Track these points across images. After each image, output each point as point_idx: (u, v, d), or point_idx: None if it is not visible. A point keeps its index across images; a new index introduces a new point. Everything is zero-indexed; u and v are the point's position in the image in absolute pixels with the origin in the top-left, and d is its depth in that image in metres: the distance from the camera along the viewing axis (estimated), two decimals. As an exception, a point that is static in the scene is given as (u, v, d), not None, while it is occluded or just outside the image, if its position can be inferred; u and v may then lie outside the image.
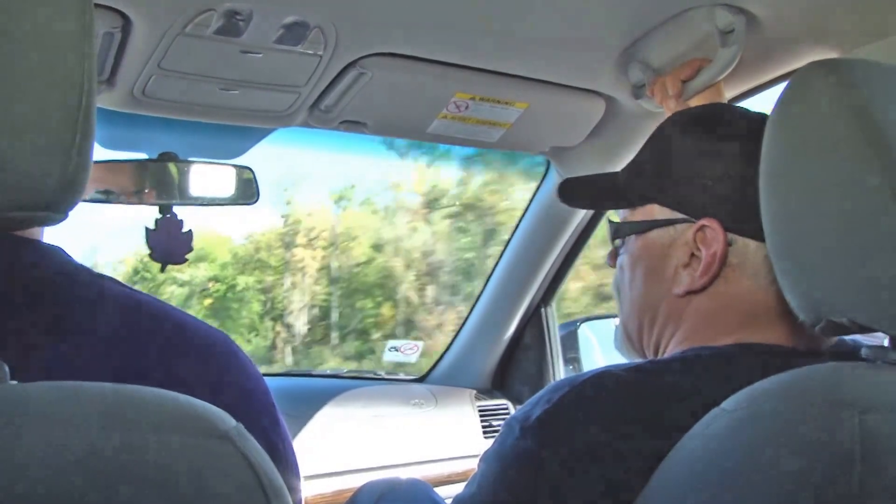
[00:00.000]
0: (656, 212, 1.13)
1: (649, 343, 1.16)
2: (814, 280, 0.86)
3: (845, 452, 0.73)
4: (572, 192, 1.31)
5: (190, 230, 1.60)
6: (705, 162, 1.07)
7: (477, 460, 1.03)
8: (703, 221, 1.06)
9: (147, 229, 1.57)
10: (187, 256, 1.60)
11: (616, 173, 1.23)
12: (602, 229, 2.41)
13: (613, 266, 1.25)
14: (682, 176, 1.09)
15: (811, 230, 0.86)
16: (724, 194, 1.06)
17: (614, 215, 1.26)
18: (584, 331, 2.81)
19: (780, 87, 0.96)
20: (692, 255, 1.08)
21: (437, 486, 1.72)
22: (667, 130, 1.16)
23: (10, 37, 0.63)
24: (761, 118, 1.10)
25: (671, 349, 1.11)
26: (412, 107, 1.70)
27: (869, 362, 0.88)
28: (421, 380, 2.72)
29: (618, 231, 1.19)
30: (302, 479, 0.92)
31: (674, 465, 0.86)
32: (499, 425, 2.50)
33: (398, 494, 1.30)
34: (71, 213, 0.72)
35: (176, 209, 1.62)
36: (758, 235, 0.98)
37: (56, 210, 0.68)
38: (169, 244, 1.58)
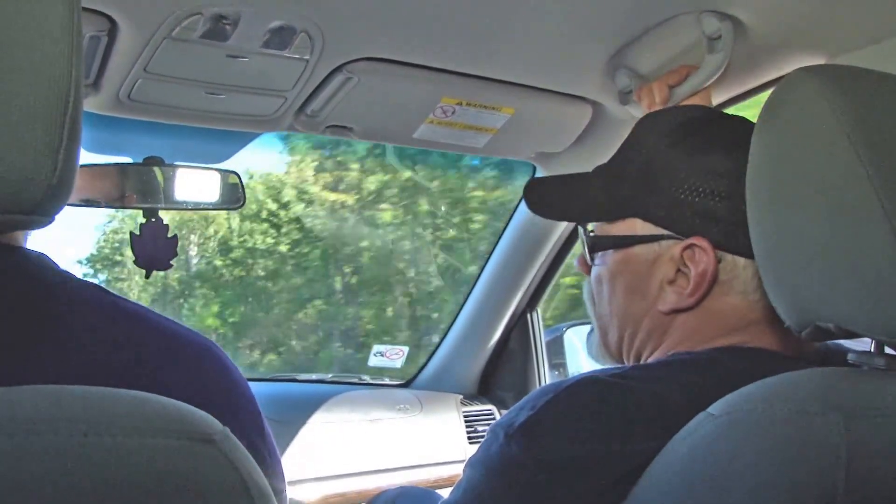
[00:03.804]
0: (639, 226, 1.11)
1: (630, 353, 1.16)
2: (800, 285, 0.87)
3: (831, 457, 0.74)
4: (542, 200, 1.27)
5: (175, 235, 1.59)
6: (693, 178, 1.06)
7: (462, 466, 1.03)
8: (693, 240, 1.05)
9: (132, 234, 1.56)
10: (172, 262, 1.59)
11: (587, 177, 1.21)
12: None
13: (585, 273, 1.24)
14: (669, 191, 1.08)
15: (797, 236, 0.86)
16: (713, 212, 1.05)
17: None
18: (570, 336, 2.81)
19: (767, 93, 0.96)
20: (678, 270, 1.08)
21: (422, 491, 1.72)
22: (649, 139, 1.14)
23: None
24: (746, 125, 1.10)
25: (654, 358, 1.11)
26: (398, 111, 1.70)
27: (855, 367, 0.88)
28: (406, 385, 2.72)
29: (596, 244, 1.17)
30: (287, 484, 0.92)
31: (661, 470, 0.86)
32: (484, 431, 2.50)
33: (411, 499, 1.31)
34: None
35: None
36: (748, 252, 0.98)
37: (42, 213, 0.68)
38: (154, 250, 1.57)
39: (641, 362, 1.13)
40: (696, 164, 1.07)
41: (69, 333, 0.77)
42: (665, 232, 1.08)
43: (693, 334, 1.07)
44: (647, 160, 1.12)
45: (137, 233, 1.57)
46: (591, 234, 1.18)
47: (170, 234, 1.58)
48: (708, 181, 1.05)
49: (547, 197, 1.27)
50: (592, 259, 1.19)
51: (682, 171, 1.07)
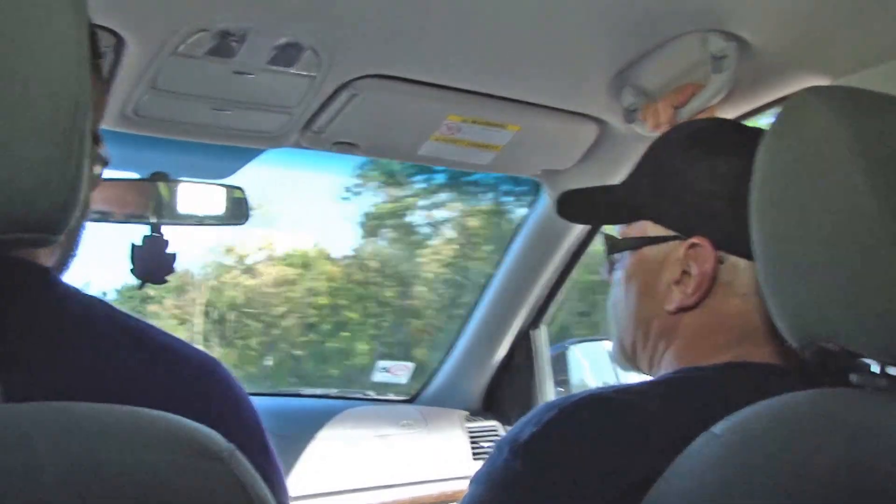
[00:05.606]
0: (649, 228, 1.13)
1: (643, 357, 1.16)
2: (804, 306, 0.86)
3: (834, 478, 0.73)
4: (570, 206, 1.30)
5: (174, 252, 1.59)
6: (696, 179, 1.08)
7: (466, 482, 1.03)
8: (694, 239, 1.07)
9: (133, 245, 1.56)
10: (167, 278, 1.60)
11: (615, 186, 1.23)
12: (590, 255, 2.42)
13: (609, 279, 1.25)
14: (675, 193, 1.10)
15: (802, 256, 0.86)
16: (714, 212, 1.06)
17: (611, 229, 1.26)
18: (574, 352, 2.81)
19: (773, 112, 0.96)
20: (683, 271, 1.08)
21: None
22: (663, 146, 1.16)
23: (3, 54, 0.63)
24: (756, 133, 1.10)
25: (664, 365, 1.11)
26: (404, 128, 1.70)
27: (857, 388, 0.88)
28: (410, 401, 2.71)
29: (613, 246, 1.20)
30: (291, 500, 0.92)
31: (664, 489, 0.86)
32: (488, 447, 2.49)
33: None
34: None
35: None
36: (748, 254, 0.98)
37: (50, 231, 0.67)
38: (152, 263, 1.58)
39: (653, 368, 1.15)
40: (701, 166, 1.08)
41: (76, 350, 0.77)
42: (671, 233, 1.10)
43: (700, 340, 1.08)
44: (659, 166, 1.14)
45: (139, 244, 1.57)
46: (610, 238, 1.21)
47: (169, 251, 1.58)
48: (711, 182, 1.07)
49: (575, 205, 1.30)
50: (612, 263, 1.21)
51: (688, 174, 1.09)
